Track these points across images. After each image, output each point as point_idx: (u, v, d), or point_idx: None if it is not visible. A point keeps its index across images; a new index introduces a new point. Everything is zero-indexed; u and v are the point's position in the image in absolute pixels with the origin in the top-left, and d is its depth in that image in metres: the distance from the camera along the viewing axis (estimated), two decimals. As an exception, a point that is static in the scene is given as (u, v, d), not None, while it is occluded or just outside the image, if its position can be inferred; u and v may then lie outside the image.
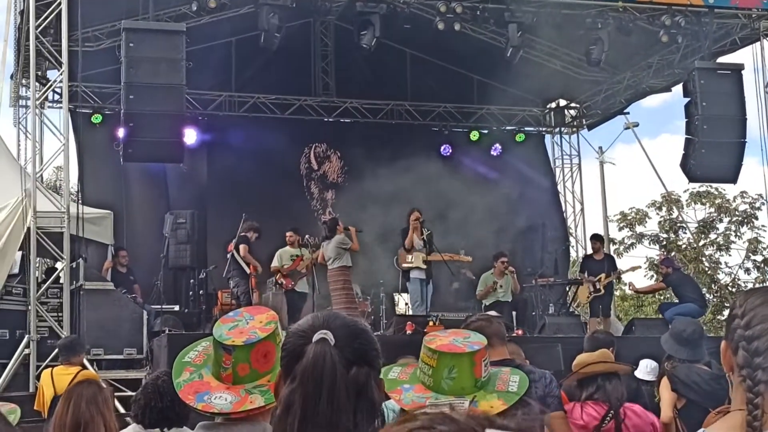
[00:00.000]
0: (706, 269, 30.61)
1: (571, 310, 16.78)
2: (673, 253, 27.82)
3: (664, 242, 31.35)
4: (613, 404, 5.08)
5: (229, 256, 15.15)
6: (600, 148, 24.29)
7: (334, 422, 1.99)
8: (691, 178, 16.75)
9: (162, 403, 4.32)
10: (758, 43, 17.09)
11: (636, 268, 16.76)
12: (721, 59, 17.24)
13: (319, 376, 2.03)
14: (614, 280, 16.77)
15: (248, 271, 14.95)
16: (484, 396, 3.27)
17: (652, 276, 33.39)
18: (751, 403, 2.11)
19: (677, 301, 15.95)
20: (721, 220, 33.06)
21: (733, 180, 16.74)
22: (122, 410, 9.15)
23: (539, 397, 4.69)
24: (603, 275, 15.97)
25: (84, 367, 9.89)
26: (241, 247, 14.95)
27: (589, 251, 17.64)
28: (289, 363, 2.11)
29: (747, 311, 2.18)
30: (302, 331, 2.13)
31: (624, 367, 5.44)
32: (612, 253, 28.77)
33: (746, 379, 2.14)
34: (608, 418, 5.05)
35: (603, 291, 16.02)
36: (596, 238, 17.11)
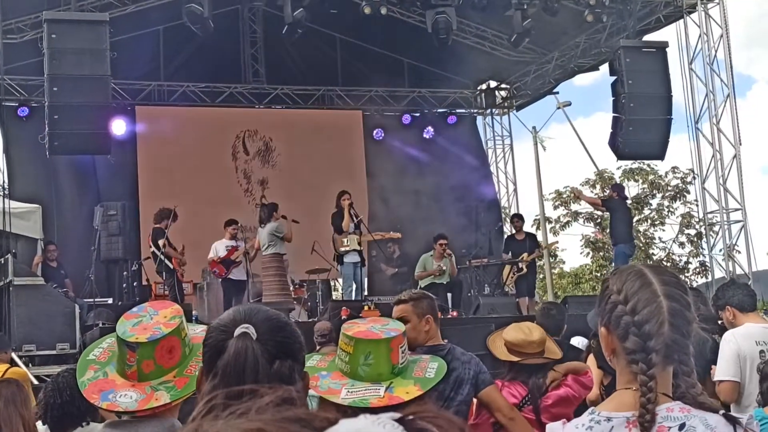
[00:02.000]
0: (641, 245, 30.98)
1: (506, 290, 16.89)
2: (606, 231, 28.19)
3: (599, 219, 31.69)
4: (533, 393, 5.12)
5: (151, 251, 15.01)
6: (534, 128, 24.53)
7: None
8: (620, 156, 16.93)
9: (61, 399, 4.19)
10: (682, 21, 17.33)
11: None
12: (646, 37, 17.44)
13: (241, 370, 2.00)
14: (537, 259, 17.11)
15: (171, 266, 14.82)
16: (401, 382, 3.28)
17: (588, 253, 33.83)
18: (645, 385, 2.12)
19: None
20: (654, 196, 33.57)
21: (661, 156, 16.98)
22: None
23: (472, 376, 4.72)
24: (525, 254, 16.16)
25: (13, 364, 9.74)
26: (160, 242, 14.74)
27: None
28: (211, 358, 2.08)
29: (629, 297, 2.18)
30: (223, 326, 2.10)
31: (556, 357, 5.40)
32: (549, 231, 29.12)
33: (639, 362, 2.16)
34: (527, 402, 5.10)
35: (526, 270, 16.21)
36: (517, 218, 17.35)
